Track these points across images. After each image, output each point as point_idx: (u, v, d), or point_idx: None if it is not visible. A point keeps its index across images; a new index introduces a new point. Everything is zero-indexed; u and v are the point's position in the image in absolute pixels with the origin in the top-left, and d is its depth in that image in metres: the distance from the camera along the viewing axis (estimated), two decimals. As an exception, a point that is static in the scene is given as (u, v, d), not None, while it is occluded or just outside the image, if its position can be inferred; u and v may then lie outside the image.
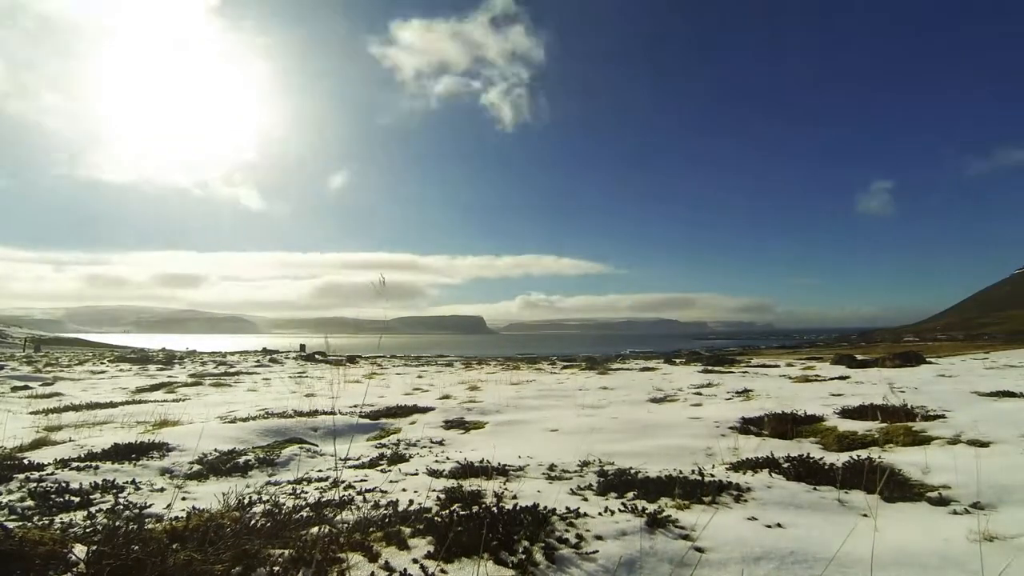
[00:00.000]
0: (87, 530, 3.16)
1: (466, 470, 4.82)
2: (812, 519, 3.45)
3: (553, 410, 9.32)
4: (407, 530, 3.03)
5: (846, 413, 7.26)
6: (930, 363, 19.23)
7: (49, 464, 4.88)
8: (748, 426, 6.89)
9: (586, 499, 3.84)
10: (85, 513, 3.58)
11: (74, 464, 4.91)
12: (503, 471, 4.77)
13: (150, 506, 3.82)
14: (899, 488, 4.08)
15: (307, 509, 3.58)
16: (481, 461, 5.08)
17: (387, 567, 2.62)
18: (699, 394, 11.42)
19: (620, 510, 3.42)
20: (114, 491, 4.20)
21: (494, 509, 3.27)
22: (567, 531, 3.04)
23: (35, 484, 4.15)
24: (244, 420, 7.86)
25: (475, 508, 3.38)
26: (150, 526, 3.18)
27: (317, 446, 6.55)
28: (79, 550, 2.61)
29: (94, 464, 4.95)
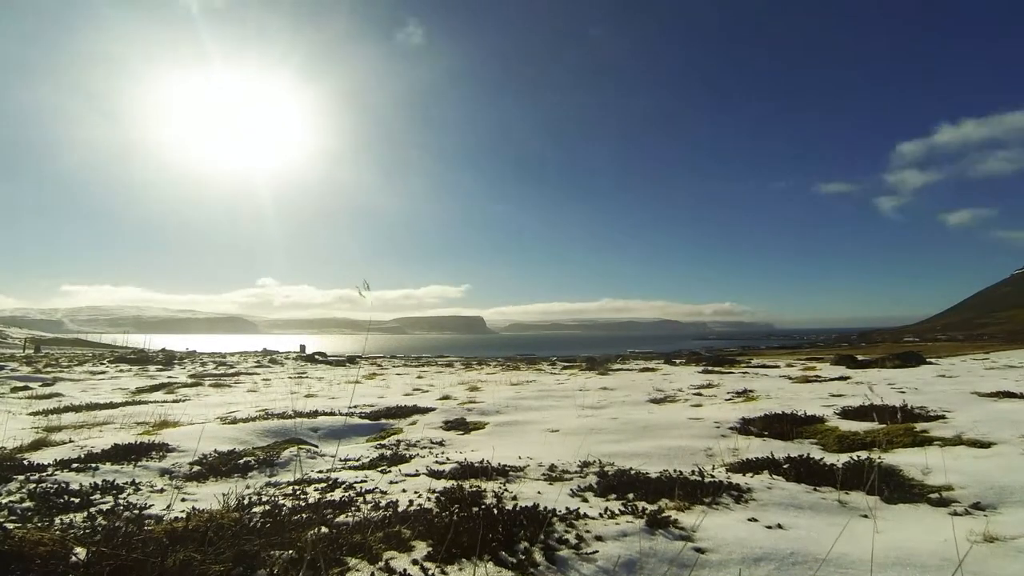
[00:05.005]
0: (87, 531, 3.16)
1: (466, 471, 4.82)
2: (812, 520, 3.45)
3: (553, 411, 9.31)
4: (407, 531, 3.04)
5: (846, 414, 7.25)
6: (930, 363, 19.24)
7: (49, 465, 4.88)
8: (748, 427, 6.88)
9: (586, 500, 3.84)
10: (85, 514, 3.58)
11: (74, 465, 4.91)
12: (503, 472, 4.77)
13: (150, 507, 3.83)
14: (899, 489, 4.09)
15: (307, 510, 3.58)
16: (481, 462, 5.08)
17: (387, 568, 2.62)
18: (699, 395, 11.42)
19: (620, 511, 3.42)
20: (114, 492, 4.21)
21: (494, 510, 3.27)
22: (567, 532, 3.04)
23: (35, 485, 4.14)
24: (244, 421, 7.86)
25: (475, 509, 3.38)
26: (150, 527, 3.18)
27: (317, 447, 6.55)
28: (79, 551, 2.61)
29: (94, 465, 4.95)
